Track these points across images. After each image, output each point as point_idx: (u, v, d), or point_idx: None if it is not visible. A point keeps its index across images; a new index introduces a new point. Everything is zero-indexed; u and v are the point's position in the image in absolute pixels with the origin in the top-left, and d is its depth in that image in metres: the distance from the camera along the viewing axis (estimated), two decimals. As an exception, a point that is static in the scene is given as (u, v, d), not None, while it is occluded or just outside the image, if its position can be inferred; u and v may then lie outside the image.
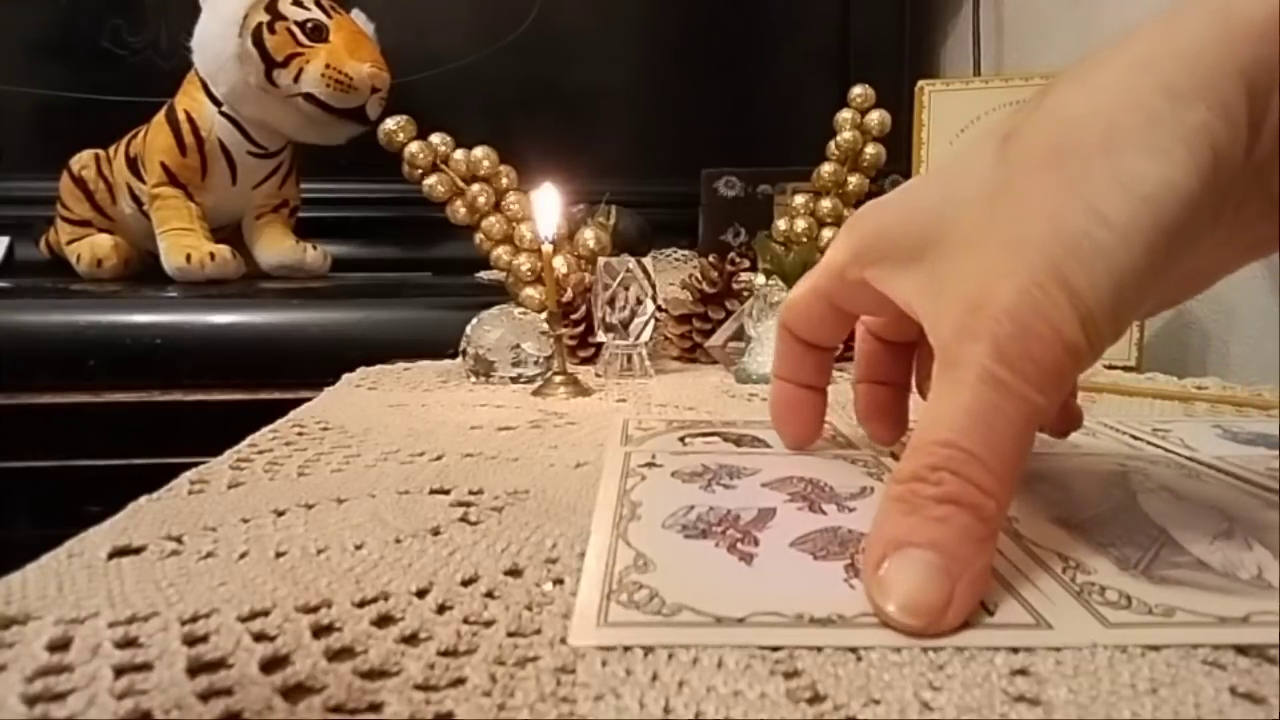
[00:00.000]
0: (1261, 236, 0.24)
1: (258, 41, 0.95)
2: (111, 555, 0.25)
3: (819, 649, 0.19)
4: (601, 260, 0.60)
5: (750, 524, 0.27)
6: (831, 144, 0.74)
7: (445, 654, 0.19)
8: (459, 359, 0.60)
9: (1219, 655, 0.19)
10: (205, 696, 0.17)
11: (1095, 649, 0.19)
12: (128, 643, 0.19)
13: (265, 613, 0.21)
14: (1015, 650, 0.19)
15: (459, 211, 0.74)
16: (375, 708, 0.17)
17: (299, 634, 0.20)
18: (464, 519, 0.28)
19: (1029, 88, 0.66)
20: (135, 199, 1.03)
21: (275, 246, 1.07)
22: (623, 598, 0.21)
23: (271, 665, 0.19)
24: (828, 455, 0.36)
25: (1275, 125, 0.21)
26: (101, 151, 1.06)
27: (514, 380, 0.57)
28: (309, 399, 0.51)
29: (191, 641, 0.19)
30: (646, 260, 0.59)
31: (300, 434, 0.41)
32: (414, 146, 0.73)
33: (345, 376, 0.60)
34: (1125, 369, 0.64)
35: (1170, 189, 0.20)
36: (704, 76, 1.26)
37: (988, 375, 0.21)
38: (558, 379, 0.53)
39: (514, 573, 0.24)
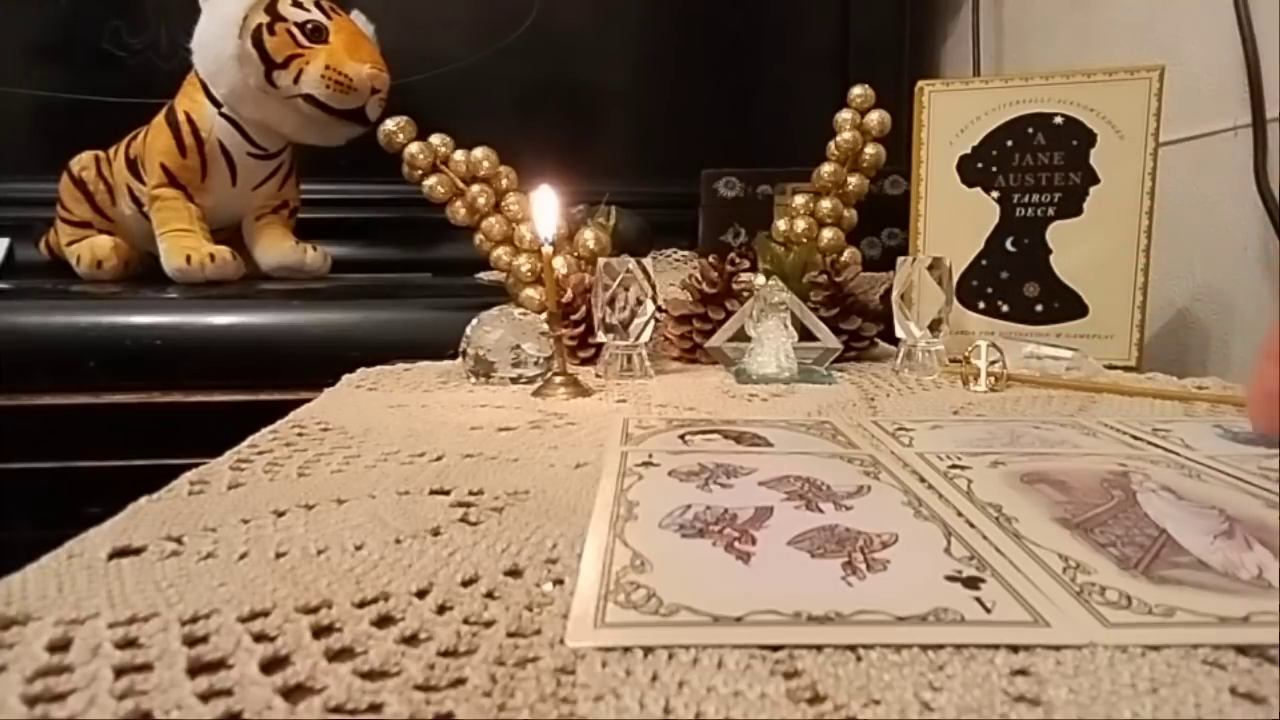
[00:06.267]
0: None
1: (257, 43, 0.95)
2: (111, 556, 0.25)
3: (819, 648, 0.19)
4: (601, 261, 0.60)
5: (747, 523, 0.27)
6: (831, 144, 0.74)
7: (445, 654, 0.19)
8: (459, 360, 0.60)
9: (1219, 655, 0.19)
10: (205, 697, 0.17)
11: (1095, 649, 0.19)
12: (128, 643, 0.19)
13: (265, 613, 0.21)
14: (1015, 650, 0.19)
15: (459, 212, 0.75)
16: (375, 708, 0.17)
17: (299, 634, 0.20)
18: (464, 519, 0.28)
19: (1029, 88, 0.66)
20: (135, 200, 1.03)
21: (275, 247, 1.07)
22: (620, 598, 0.21)
23: (272, 666, 0.19)
24: (824, 454, 0.36)
25: None
26: (101, 153, 1.06)
27: (514, 381, 0.57)
28: (309, 400, 0.51)
29: (191, 642, 0.19)
30: (646, 261, 0.59)
31: (300, 435, 0.41)
32: (414, 147, 0.73)
33: (345, 377, 0.60)
34: (1125, 369, 0.64)
35: None
36: (704, 76, 1.26)
37: None
38: (558, 379, 0.53)
39: (514, 573, 0.24)
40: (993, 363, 0.55)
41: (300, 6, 0.98)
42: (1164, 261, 0.72)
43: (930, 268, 0.60)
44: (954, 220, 0.69)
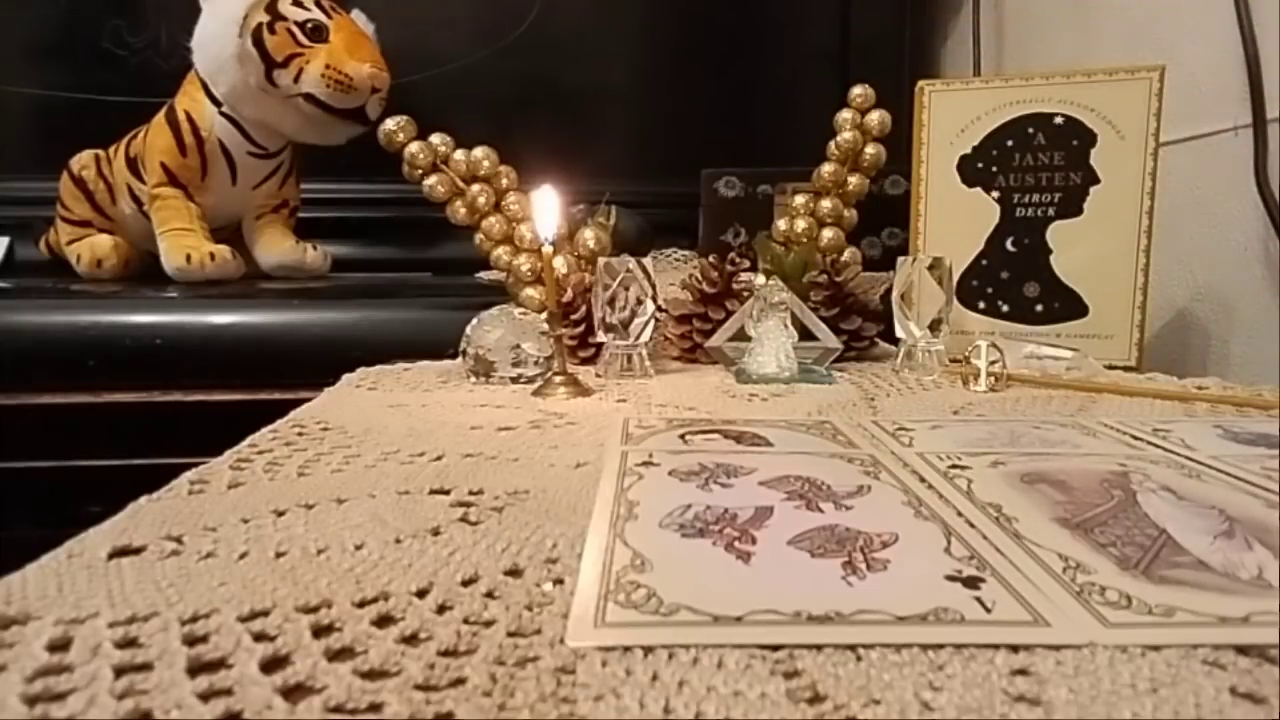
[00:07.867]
0: None
1: (258, 42, 0.95)
2: (111, 555, 0.25)
3: (819, 648, 0.19)
4: (601, 260, 0.60)
5: (748, 522, 0.27)
6: (831, 144, 0.74)
7: (445, 654, 0.19)
8: (459, 359, 0.60)
9: (1219, 655, 0.19)
10: (205, 697, 0.17)
11: (1095, 649, 0.19)
12: (128, 643, 0.19)
13: (265, 613, 0.21)
14: (1015, 650, 0.19)
15: (459, 212, 0.75)
16: (375, 708, 0.17)
17: (299, 634, 0.20)
18: (464, 519, 0.28)
19: (1029, 88, 0.66)
20: (135, 199, 1.03)
21: (275, 247, 1.07)
22: (620, 597, 0.21)
23: (271, 665, 0.19)
24: (824, 454, 0.36)
25: None
26: (101, 152, 1.06)
27: (514, 380, 0.57)
28: (309, 399, 0.51)
29: (191, 641, 0.19)
30: (646, 260, 0.59)
31: (300, 434, 0.41)
32: (414, 147, 0.73)
33: (345, 377, 0.60)
34: (1125, 369, 0.64)
35: None
36: (704, 76, 1.26)
37: None
38: (558, 379, 0.53)
39: (514, 573, 0.24)
40: (993, 363, 0.55)
41: (300, 6, 0.98)
42: (1164, 261, 0.72)
43: (930, 268, 0.60)
44: (954, 220, 0.69)
